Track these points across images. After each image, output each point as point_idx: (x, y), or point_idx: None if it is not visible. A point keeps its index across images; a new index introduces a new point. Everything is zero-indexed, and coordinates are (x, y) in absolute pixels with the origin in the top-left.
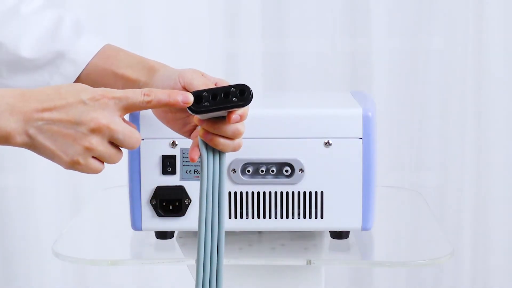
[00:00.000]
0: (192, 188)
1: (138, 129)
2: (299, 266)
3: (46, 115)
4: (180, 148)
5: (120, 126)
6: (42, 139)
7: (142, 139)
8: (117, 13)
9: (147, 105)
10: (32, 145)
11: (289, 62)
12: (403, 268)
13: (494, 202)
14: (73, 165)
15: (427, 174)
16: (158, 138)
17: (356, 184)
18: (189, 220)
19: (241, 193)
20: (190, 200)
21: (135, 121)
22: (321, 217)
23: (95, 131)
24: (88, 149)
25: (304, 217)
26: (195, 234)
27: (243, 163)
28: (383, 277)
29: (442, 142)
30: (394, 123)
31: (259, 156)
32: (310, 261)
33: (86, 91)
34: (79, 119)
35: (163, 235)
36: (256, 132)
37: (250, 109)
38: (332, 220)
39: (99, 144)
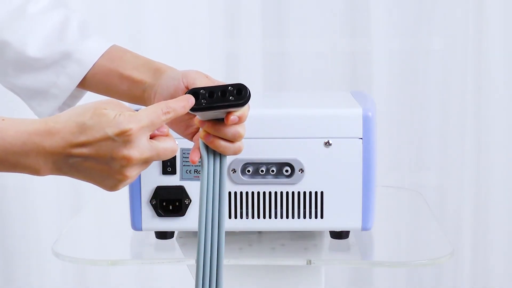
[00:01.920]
0: (192, 188)
1: None
2: (299, 266)
3: (76, 151)
4: (180, 148)
5: (152, 150)
6: (76, 174)
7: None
8: (117, 13)
9: (168, 121)
10: (66, 175)
11: (289, 62)
12: (403, 268)
13: (494, 202)
14: (114, 189)
15: (427, 174)
16: None
17: (356, 184)
18: (189, 220)
19: (241, 193)
20: (190, 200)
21: None
22: (321, 217)
23: (128, 165)
24: (126, 177)
25: (304, 217)
26: (195, 234)
27: (243, 163)
28: (383, 277)
29: (442, 142)
30: (394, 123)
31: (259, 156)
32: (310, 261)
33: (110, 124)
34: (110, 156)
35: (163, 235)
36: (256, 132)
37: (251, 109)
38: (332, 220)
39: (135, 170)
